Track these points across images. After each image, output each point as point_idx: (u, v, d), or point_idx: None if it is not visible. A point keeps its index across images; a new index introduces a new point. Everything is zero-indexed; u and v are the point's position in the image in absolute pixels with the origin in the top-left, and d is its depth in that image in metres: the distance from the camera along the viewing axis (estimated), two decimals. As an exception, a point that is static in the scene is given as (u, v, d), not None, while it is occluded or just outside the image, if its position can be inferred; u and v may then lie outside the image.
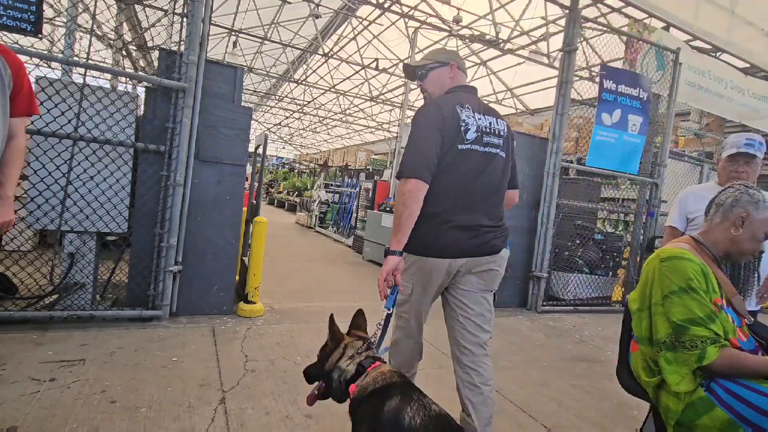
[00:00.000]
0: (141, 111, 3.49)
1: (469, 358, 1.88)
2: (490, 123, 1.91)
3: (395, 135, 9.75)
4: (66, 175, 3.05)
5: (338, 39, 13.54)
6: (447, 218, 1.78)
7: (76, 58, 3.89)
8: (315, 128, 25.97)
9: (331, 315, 1.65)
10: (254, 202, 4.47)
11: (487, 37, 10.05)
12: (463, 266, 1.84)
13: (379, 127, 20.70)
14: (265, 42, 12.66)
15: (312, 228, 12.13)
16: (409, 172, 1.69)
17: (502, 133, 1.95)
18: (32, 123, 2.95)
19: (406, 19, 10.17)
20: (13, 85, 1.64)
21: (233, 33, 11.91)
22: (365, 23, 12.07)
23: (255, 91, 19.47)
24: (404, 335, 2.02)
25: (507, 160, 2.00)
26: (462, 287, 1.91)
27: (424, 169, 1.69)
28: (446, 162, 1.77)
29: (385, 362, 1.55)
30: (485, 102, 2.23)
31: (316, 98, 18.81)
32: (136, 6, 8.69)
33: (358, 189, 9.65)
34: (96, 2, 3.73)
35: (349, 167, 16.87)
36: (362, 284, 5.64)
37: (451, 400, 2.57)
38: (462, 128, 1.79)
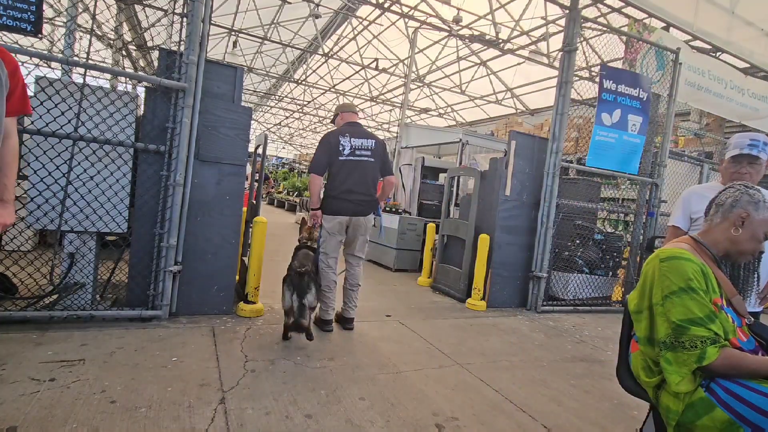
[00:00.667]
0: (141, 111, 3.49)
1: (352, 267, 3.77)
2: (361, 143, 3.55)
3: (395, 135, 9.76)
4: (66, 175, 3.05)
5: (338, 39, 13.55)
6: (339, 195, 3.49)
7: (76, 58, 3.89)
8: (315, 128, 25.98)
9: (303, 217, 3.92)
10: (254, 202, 4.47)
11: (487, 37, 10.05)
12: (348, 221, 3.54)
13: (379, 127, 20.71)
14: (265, 42, 12.67)
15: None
16: (311, 170, 3.54)
17: (370, 147, 3.57)
18: (32, 123, 2.95)
19: (406, 19, 10.18)
20: (9, 84, 1.65)
21: (233, 33, 11.91)
22: (365, 23, 12.07)
23: (255, 91, 19.47)
24: (324, 264, 3.58)
25: (375, 162, 3.60)
26: (348, 235, 3.64)
27: (318, 168, 3.49)
28: (334, 167, 3.50)
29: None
30: (368, 128, 5.14)
31: (316, 98, 18.82)
32: (136, 6, 8.69)
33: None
34: (96, 2, 3.73)
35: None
36: (363, 283, 5.62)
37: (451, 398, 2.58)
38: (340, 148, 3.49)
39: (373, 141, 3.60)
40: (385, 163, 3.70)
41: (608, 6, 5.99)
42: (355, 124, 3.67)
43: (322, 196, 3.60)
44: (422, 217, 7.55)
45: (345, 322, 3.71)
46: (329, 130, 3.62)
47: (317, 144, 3.56)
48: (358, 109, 4.01)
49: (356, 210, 3.53)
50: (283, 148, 35.80)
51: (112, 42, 8.21)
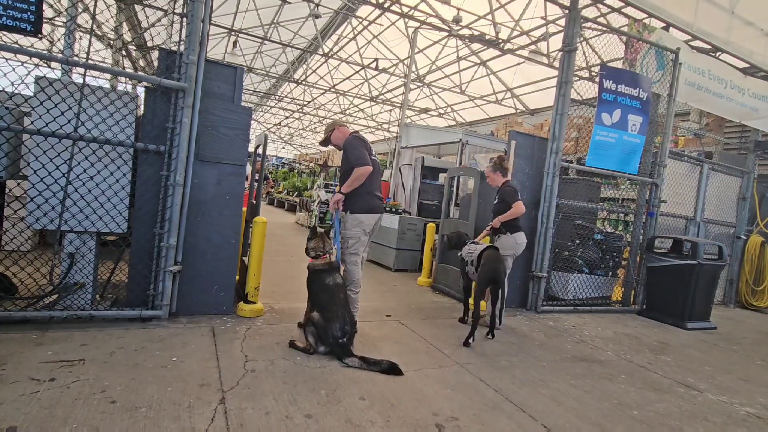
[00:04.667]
0: (141, 111, 3.49)
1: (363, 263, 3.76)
2: (372, 148, 3.74)
3: (395, 135, 9.76)
4: (66, 175, 3.05)
5: (338, 39, 13.54)
6: (373, 192, 3.53)
7: (76, 58, 3.88)
8: (315, 128, 25.98)
9: (314, 225, 4.31)
10: (254, 202, 4.47)
11: (487, 37, 10.05)
12: (378, 219, 3.60)
13: (379, 127, 20.71)
14: (265, 42, 12.66)
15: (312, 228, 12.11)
16: (363, 163, 3.38)
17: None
18: (32, 123, 2.95)
19: (406, 19, 10.17)
20: None
21: (233, 33, 11.91)
22: (365, 23, 12.07)
23: (255, 91, 19.47)
24: (355, 266, 3.54)
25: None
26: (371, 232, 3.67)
27: (368, 162, 3.41)
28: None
29: (331, 257, 3.35)
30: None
31: (316, 98, 18.81)
32: (135, 6, 8.69)
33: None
34: (96, 2, 3.73)
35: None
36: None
37: (451, 398, 2.58)
38: (370, 147, 3.59)
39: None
40: None
41: (608, 6, 5.98)
42: (358, 132, 3.81)
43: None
44: (422, 217, 7.55)
45: None
46: (350, 136, 3.59)
47: (351, 144, 3.47)
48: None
49: (383, 207, 3.70)
50: (283, 148, 35.79)
51: (112, 42, 8.21)
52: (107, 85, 4.56)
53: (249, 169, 5.15)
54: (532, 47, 10.19)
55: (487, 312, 4.07)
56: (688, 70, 5.72)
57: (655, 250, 5.62)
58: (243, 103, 3.73)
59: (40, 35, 2.89)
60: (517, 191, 4.23)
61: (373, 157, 3.59)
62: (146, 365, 2.57)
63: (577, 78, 5.08)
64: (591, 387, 3.04)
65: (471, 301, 4.21)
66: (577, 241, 5.55)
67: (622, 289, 5.92)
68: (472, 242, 4.34)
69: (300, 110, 20.95)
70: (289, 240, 9.58)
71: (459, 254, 4.36)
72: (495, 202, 4.37)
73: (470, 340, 3.62)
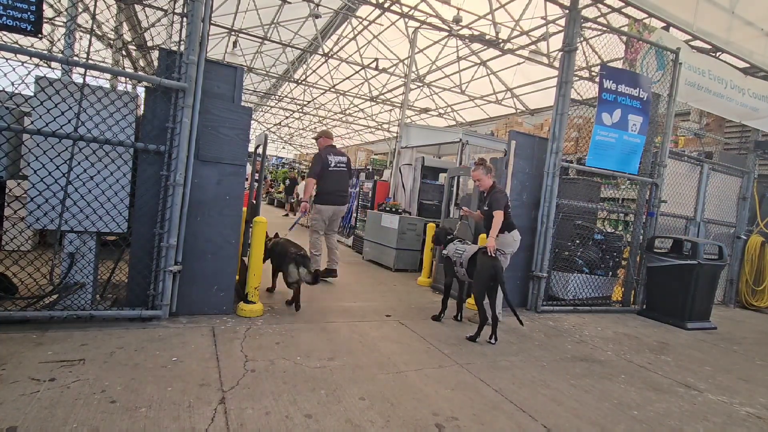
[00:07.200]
0: (141, 111, 3.49)
1: (330, 237, 5.67)
2: (339, 159, 5.48)
3: (395, 135, 9.77)
4: (66, 175, 3.05)
5: (338, 39, 13.54)
6: (329, 192, 5.42)
7: (76, 58, 3.88)
8: (315, 128, 25.98)
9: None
10: (254, 202, 4.47)
11: (487, 37, 10.05)
12: (334, 209, 5.48)
13: (379, 127, 20.70)
14: (265, 42, 12.66)
15: (312, 228, 12.11)
16: (309, 176, 5.53)
17: (345, 162, 5.55)
18: (32, 123, 2.95)
19: (406, 19, 10.17)
20: None
21: (233, 33, 11.91)
22: (365, 23, 12.06)
23: (255, 91, 19.46)
24: (317, 237, 5.44)
25: (348, 171, 5.62)
26: (333, 219, 5.59)
27: (314, 175, 5.41)
28: (326, 174, 5.38)
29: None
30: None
31: (316, 98, 18.81)
32: (136, 6, 8.69)
33: (357, 189, 9.63)
34: (96, 2, 3.72)
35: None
36: (361, 283, 5.63)
37: (451, 398, 2.58)
38: (329, 162, 5.40)
39: (346, 157, 5.64)
40: (351, 173, 5.78)
41: (608, 6, 5.98)
42: (333, 146, 5.68)
43: (314, 193, 5.46)
44: (422, 217, 7.55)
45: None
46: (318, 152, 5.54)
47: (313, 158, 5.33)
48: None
49: (341, 202, 5.56)
50: (283, 148, 35.80)
51: (112, 42, 8.21)
52: (107, 85, 4.56)
53: (249, 169, 5.15)
54: (532, 47, 10.19)
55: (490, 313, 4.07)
56: (688, 70, 5.72)
57: (655, 250, 5.62)
58: (243, 103, 3.73)
59: (40, 35, 2.89)
60: (507, 197, 4.27)
61: (330, 168, 5.37)
62: (146, 365, 2.57)
63: (577, 78, 5.07)
64: (591, 387, 3.04)
65: (450, 301, 4.45)
66: (577, 241, 5.55)
67: (622, 289, 5.91)
68: (459, 241, 4.35)
69: (300, 110, 20.95)
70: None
71: (443, 252, 4.39)
72: (485, 208, 4.33)
73: (476, 339, 3.74)
